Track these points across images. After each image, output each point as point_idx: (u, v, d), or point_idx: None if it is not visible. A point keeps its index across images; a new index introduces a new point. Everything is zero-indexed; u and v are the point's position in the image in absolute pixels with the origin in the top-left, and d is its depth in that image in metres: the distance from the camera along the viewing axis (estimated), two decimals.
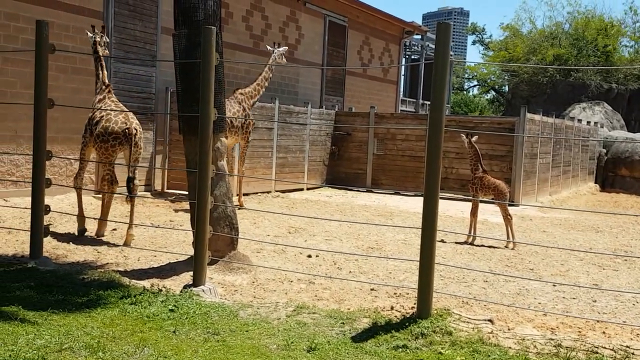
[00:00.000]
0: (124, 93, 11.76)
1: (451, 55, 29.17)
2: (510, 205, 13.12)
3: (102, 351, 3.79)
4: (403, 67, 24.79)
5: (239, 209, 11.31)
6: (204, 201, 5.04)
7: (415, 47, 25.92)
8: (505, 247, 8.97)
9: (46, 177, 5.66)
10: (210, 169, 5.04)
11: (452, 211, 12.49)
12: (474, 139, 9.39)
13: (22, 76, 9.94)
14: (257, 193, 12.92)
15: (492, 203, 9.70)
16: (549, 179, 15.74)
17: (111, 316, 4.42)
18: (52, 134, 10.43)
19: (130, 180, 7.63)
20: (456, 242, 9.12)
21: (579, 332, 4.81)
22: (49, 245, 6.78)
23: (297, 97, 16.59)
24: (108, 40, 8.69)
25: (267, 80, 11.56)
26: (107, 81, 8.46)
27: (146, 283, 5.34)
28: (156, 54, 12.34)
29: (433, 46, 26.25)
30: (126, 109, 8.30)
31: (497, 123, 14.49)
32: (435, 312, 4.55)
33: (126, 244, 7.34)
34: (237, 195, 11.32)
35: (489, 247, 8.95)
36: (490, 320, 4.45)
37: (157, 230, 8.56)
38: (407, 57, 26.47)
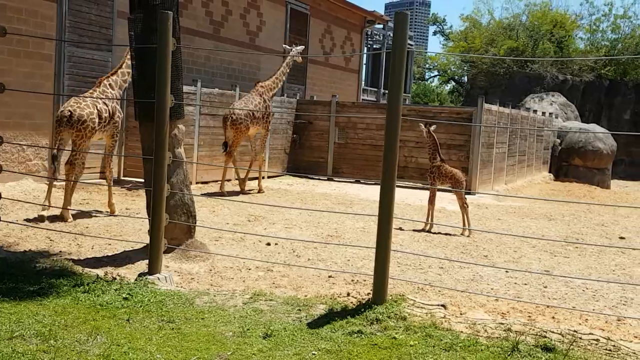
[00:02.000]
0: (78, 78, 11.50)
1: (411, 45, 29.30)
2: (467, 193, 13.37)
3: (54, 339, 3.73)
4: (365, 57, 24.86)
5: (258, 192, 12.30)
6: (160, 189, 4.98)
7: (377, 37, 26.02)
8: (462, 234, 9.13)
9: None
10: (167, 156, 4.98)
11: (411, 199, 12.64)
12: (432, 128, 9.50)
13: None
14: (216, 181, 12.82)
15: (450, 191, 9.85)
16: (505, 168, 16.06)
17: (63, 304, 4.35)
18: (3, 119, 10.16)
19: (54, 159, 8.34)
20: (414, 230, 9.24)
21: (529, 316, 4.95)
22: (0, 233, 6.61)
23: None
24: None
25: (284, 74, 12.59)
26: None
27: (100, 271, 5.27)
28: (112, 38, 12.09)
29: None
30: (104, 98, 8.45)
31: (455, 113, 14.69)
32: (391, 297, 4.61)
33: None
34: (258, 180, 12.65)
35: (446, 234, 9.10)
36: (443, 306, 4.54)
37: (112, 219, 8.43)
38: (368, 46, 26.56)
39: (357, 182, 15.32)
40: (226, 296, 4.83)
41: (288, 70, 12.71)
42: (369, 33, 25.33)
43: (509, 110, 16.04)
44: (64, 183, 8.50)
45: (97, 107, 8.37)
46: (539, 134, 19.18)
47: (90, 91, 8.68)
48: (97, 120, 8.33)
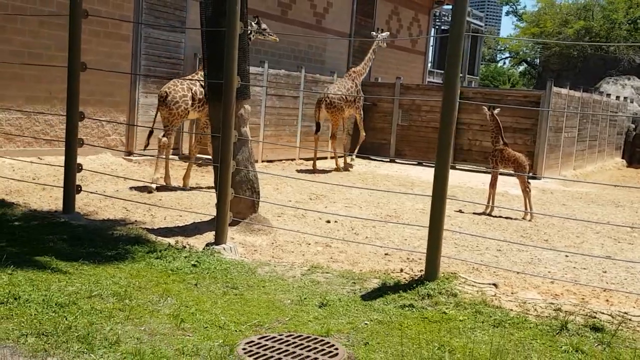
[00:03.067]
0: (153, 58, 12.03)
1: (480, 26, 28.63)
2: (532, 178, 13.21)
3: (129, 299, 4.10)
4: (432, 38, 24.60)
5: (344, 169, 13.16)
6: (226, 165, 5.29)
7: (446, 18, 25.67)
8: (523, 218, 9.10)
9: (79, 137, 5.97)
10: (233, 134, 5.27)
11: (474, 182, 12.60)
12: (496, 111, 9.46)
13: (57, 39, 10.24)
14: (281, 160, 13.18)
15: (512, 175, 9.81)
16: (574, 153, 15.68)
17: (138, 268, 4.74)
18: (85, 96, 10.78)
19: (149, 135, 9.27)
20: (474, 213, 9.28)
21: (582, 299, 5.00)
22: (81, 202, 7.13)
23: (324, 67, 16.69)
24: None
25: (371, 60, 13.44)
26: None
27: (171, 240, 5.66)
28: (185, 20, 12.55)
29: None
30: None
31: (523, 96, 14.44)
32: (443, 275, 4.77)
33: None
34: (333, 158, 13.57)
35: (507, 218, 9.09)
36: (494, 285, 4.66)
37: (183, 192, 8.89)
38: (436, 27, 26.24)
39: (420, 164, 15.34)
40: (286, 267, 5.11)
41: (374, 56, 13.54)
42: (437, 14, 25.02)
43: (579, 93, 15.62)
44: (155, 158, 9.26)
45: (192, 89, 9.19)
46: (612, 119, 18.56)
47: (192, 75, 9.67)
48: (189, 101, 9.15)
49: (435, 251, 4.68)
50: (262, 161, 12.80)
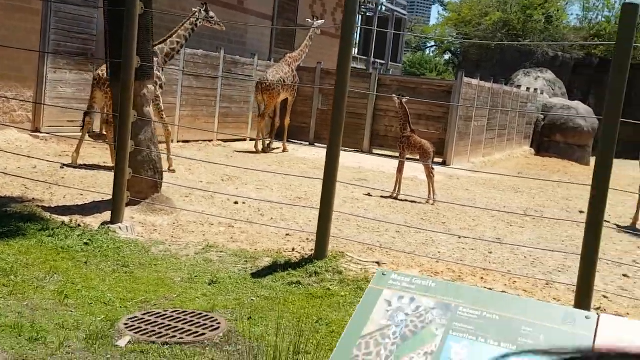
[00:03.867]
0: (63, 33, 11.68)
1: (403, 14, 28.97)
2: (442, 164, 13.75)
3: (15, 275, 4.11)
4: (359, 27, 24.91)
5: (264, 152, 13.42)
6: (124, 144, 5.31)
7: (370, 5, 26.03)
8: (426, 202, 9.52)
9: None
10: (131, 114, 5.30)
11: (387, 167, 12.99)
12: (404, 100, 9.81)
13: None
14: (198, 141, 13.13)
15: (417, 161, 10.22)
16: (483, 141, 16.40)
17: (27, 246, 4.72)
18: None
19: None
20: (382, 197, 9.62)
21: (459, 276, 5.36)
22: None
23: (245, 48, 16.65)
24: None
25: (308, 47, 13.98)
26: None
27: (66, 218, 5.63)
28: None
29: (387, 4, 26.41)
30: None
31: (436, 85, 14.95)
32: (331, 254, 5.01)
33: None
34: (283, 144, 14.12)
35: (412, 202, 9.49)
36: (377, 263, 4.93)
37: (88, 171, 8.76)
38: (362, 13, 26.58)
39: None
40: (181, 246, 5.22)
41: (311, 43, 14.00)
42: (363, 0, 25.33)
43: (489, 84, 16.31)
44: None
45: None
46: (522, 109, 19.47)
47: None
48: None
49: (325, 231, 4.90)
50: (178, 141, 12.72)
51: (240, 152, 13.07)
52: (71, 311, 3.80)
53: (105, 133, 9.77)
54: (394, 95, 10.12)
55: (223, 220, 6.76)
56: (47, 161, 8.80)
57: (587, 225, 3.86)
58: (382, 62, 24.96)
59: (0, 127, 10.33)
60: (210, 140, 13.30)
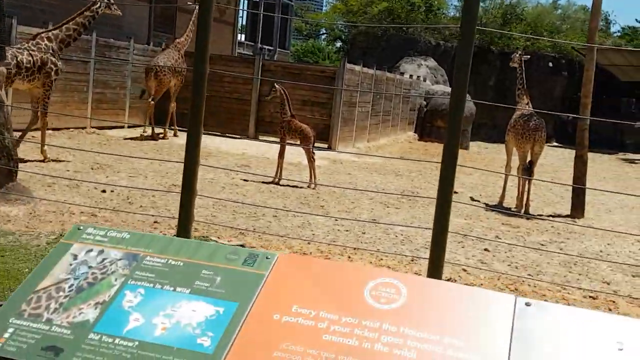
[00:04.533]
0: None
1: (292, 2, 28.85)
2: (327, 150, 13.85)
3: None
4: (242, 10, 24.58)
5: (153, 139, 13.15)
6: None
7: None
8: (307, 187, 9.52)
9: None
10: None
11: (272, 153, 12.90)
12: (279, 87, 9.77)
13: None
14: (69, 128, 12.39)
15: (298, 146, 10.20)
16: (368, 126, 16.71)
17: None
18: None
19: None
20: (262, 182, 9.52)
21: (326, 256, 5.36)
22: None
23: (121, 31, 15.90)
24: None
25: (192, 32, 13.66)
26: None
27: None
28: None
29: None
30: None
31: (320, 71, 15.03)
32: (195, 238, 4.82)
33: None
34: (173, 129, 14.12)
35: (293, 186, 9.45)
36: (242, 245, 4.82)
37: None
38: None
39: (224, 135, 15.37)
40: (32, 236, 4.84)
41: (194, 28, 13.30)
42: None
43: (372, 71, 16.62)
44: None
45: (17, 57, 8.70)
46: (405, 96, 20.04)
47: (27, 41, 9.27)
48: (13, 70, 8.55)
49: (187, 215, 4.70)
50: (48, 129, 11.92)
51: (116, 139, 12.49)
52: None
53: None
54: (275, 83, 10.03)
55: (86, 209, 6.38)
56: None
57: (437, 200, 3.95)
58: (270, 48, 24.81)
59: None
60: (83, 128, 12.59)
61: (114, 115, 13.73)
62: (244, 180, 9.43)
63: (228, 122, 15.35)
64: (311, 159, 9.68)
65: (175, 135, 14.09)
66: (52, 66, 9.26)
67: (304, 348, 1.05)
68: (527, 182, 9.52)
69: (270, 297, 1.16)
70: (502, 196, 9.95)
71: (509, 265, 6.18)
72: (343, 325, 1.09)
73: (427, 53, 28.43)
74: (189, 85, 15.16)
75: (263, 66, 15.08)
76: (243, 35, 25.54)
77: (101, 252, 1.29)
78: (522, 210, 9.38)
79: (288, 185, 9.50)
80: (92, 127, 12.79)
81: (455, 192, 10.72)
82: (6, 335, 1.14)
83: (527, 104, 9.99)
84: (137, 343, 1.11)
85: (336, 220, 7.29)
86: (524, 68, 10.28)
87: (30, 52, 8.93)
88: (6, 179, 6.12)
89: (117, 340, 1.12)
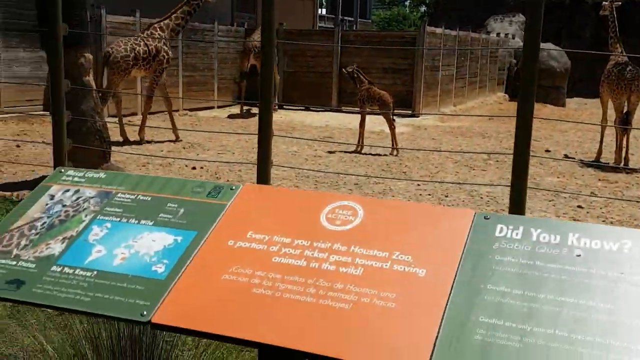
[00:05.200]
0: (12, 11, 11.40)
1: None
2: (411, 117, 13.73)
3: None
4: None
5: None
6: (59, 114, 5.23)
7: None
8: (390, 154, 9.52)
9: None
10: (63, 83, 5.19)
11: (354, 124, 12.93)
12: (351, 69, 9.82)
13: None
14: (164, 112, 12.98)
15: (379, 114, 10.17)
16: (453, 90, 16.34)
17: None
18: None
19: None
20: (345, 152, 9.62)
21: None
22: None
23: (207, 14, 16.35)
24: None
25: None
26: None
27: (11, 194, 5.59)
28: None
29: None
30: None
31: (400, 37, 14.82)
32: None
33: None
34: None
35: (375, 155, 9.48)
36: None
37: (46, 147, 8.67)
38: None
39: (307, 109, 15.55)
40: None
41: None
42: None
43: (455, 32, 16.17)
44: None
45: (135, 49, 9.53)
46: (493, 56, 19.36)
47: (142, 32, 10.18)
48: (131, 61, 9.47)
49: (264, 182, 4.88)
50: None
51: (206, 119, 12.97)
52: None
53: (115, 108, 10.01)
54: (343, 69, 10.08)
55: None
56: (5, 139, 8.70)
57: (514, 156, 3.88)
58: (350, 19, 24.67)
59: None
60: (176, 110, 13.15)
61: (204, 97, 14.24)
62: (330, 152, 9.56)
63: (310, 96, 15.51)
64: (392, 126, 9.64)
65: (274, 110, 14.41)
66: (165, 54, 9.94)
67: (252, 270, 1.09)
68: (625, 135, 9.05)
69: (228, 225, 1.21)
70: (599, 151, 9.52)
71: (603, 220, 5.96)
72: (294, 247, 1.13)
73: (515, 9, 27.20)
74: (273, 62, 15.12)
75: (342, 37, 15.06)
76: (324, 10, 25.55)
77: (77, 191, 1.38)
78: (622, 164, 8.93)
79: (370, 154, 9.53)
80: (184, 109, 13.34)
81: (547, 151, 10.36)
82: None
83: (621, 52, 9.43)
84: (95, 272, 1.17)
85: (418, 185, 7.28)
86: (615, 15, 9.69)
87: (146, 42, 9.62)
88: (100, 160, 6.56)
89: (77, 271, 1.18)
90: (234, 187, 1.29)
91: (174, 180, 1.46)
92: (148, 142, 9.80)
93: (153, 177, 1.46)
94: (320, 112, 14.86)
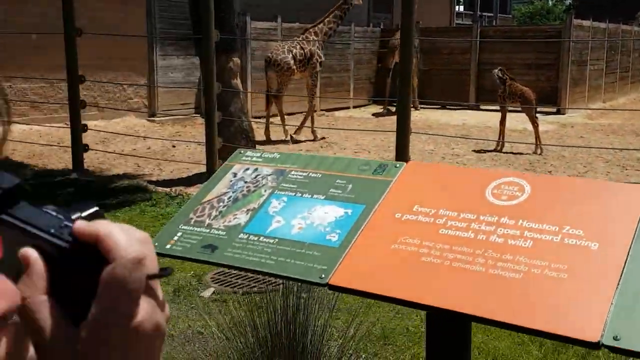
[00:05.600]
0: (168, 21, 12.32)
1: None
2: (556, 114, 13.09)
3: None
4: None
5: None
6: (211, 115, 5.62)
7: None
8: (534, 152, 9.15)
9: (82, 99, 6.39)
10: (215, 85, 5.57)
11: (493, 122, 12.56)
12: (498, 71, 9.52)
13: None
14: (302, 112, 13.41)
15: (520, 112, 9.80)
16: (603, 85, 15.32)
17: (131, 215, 5.17)
18: (103, 62, 11.14)
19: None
20: (484, 150, 9.39)
21: None
22: (97, 161, 7.64)
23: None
24: None
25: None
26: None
27: (169, 190, 6.07)
28: None
29: None
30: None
31: (543, 31, 14.15)
32: None
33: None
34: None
35: (517, 153, 9.16)
36: None
37: (197, 147, 9.31)
38: None
39: (443, 107, 15.31)
40: None
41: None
42: None
43: (605, 24, 15.14)
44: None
45: (292, 52, 10.18)
46: None
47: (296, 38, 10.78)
48: (291, 62, 10.11)
49: None
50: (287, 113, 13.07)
51: (343, 119, 13.21)
52: None
53: (276, 106, 10.54)
54: (493, 71, 9.76)
55: None
56: (162, 139, 9.46)
57: None
58: (489, 15, 23.93)
59: (120, 114, 11.22)
60: (314, 111, 13.54)
61: (340, 97, 14.52)
62: (475, 151, 9.40)
63: (447, 94, 15.24)
64: (534, 123, 9.25)
65: (415, 108, 14.19)
66: (317, 58, 10.45)
67: (420, 240, 1.14)
68: None
69: (394, 200, 1.27)
70: None
71: None
72: (460, 220, 1.16)
73: None
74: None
75: (481, 33, 14.66)
76: (461, 7, 25.00)
77: (255, 170, 1.51)
78: None
79: (511, 153, 9.22)
80: (321, 110, 13.69)
81: None
82: (175, 238, 1.40)
83: None
84: (276, 240, 1.31)
85: None
86: None
87: (302, 45, 10.15)
88: None
89: (261, 238, 1.33)
90: (398, 165, 1.36)
91: (341, 159, 1.55)
92: (298, 141, 10.18)
93: (322, 157, 1.57)
94: (457, 110, 14.58)
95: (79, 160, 6.43)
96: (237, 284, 3.89)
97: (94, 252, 0.45)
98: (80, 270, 0.45)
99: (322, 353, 2.69)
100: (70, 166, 7.38)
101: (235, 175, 1.52)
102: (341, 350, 2.84)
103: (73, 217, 0.47)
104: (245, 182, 1.47)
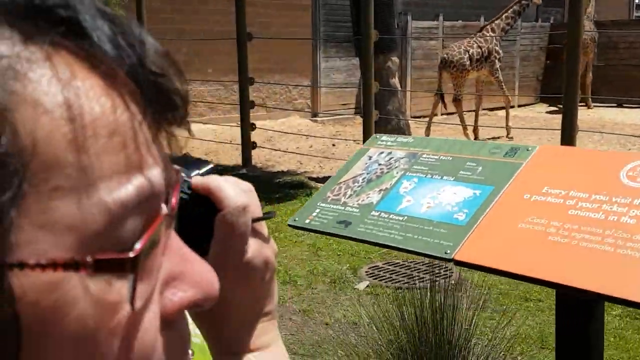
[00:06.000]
0: (332, 24, 12.71)
1: None
2: None
3: (279, 232, 4.86)
4: None
5: None
6: (369, 113, 5.77)
7: None
8: None
9: (251, 100, 6.87)
10: (373, 85, 5.71)
11: None
12: None
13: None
14: (463, 111, 13.17)
15: None
16: None
17: (293, 208, 5.47)
18: (271, 65, 11.79)
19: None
20: None
21: None
22: (263, 158, 8.15)
23: None
24: None
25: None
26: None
27: None
28: None
29: None
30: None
31: None
32: None
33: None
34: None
35: None
36: None
37: (357, 146, 9.55)
38: None
39: (619, 105, 14.17)
40: None
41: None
42: None
43: None
44: None
45: (469, 51, 10.21)
46: None
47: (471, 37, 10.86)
48: (467, 62, 10.12)
49: None
50: (442, 114, 12.96)
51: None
52: (322, 261, 4.37)
53: (456, 110, 10.57)
54: None
55: None
56: (323, 138, 9.84)
57: None
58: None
59: (285, 114, 11.83)
60: (472, 111, 13.25)
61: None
62: None
63: (624, 91, 14.06)
64: None
65: (588, 107, 13.35)
66: (496, 54, 10.35)
67: (548, 220, 1.12)
68: None
69: (524, 181, 1.25)
70: None
71: None
72: (592, 202, 1.12)
73: None
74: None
75: None
76: None
77: (389, 153, 1.57)
78: None
79: None
80: (484, 109, 13.33)
81: None
82: (314, 214, 1.53)
83: None
84: (405, 217, 1.37)
85: None
86: None
87: (479, 44, 10.13)
88: None
89: (391, 216, 1.40)
90: (530, 148, 1.37)
91: (472, 143, 1.58)
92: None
93: (453, 141, 1.62)
94: (635, 109, 13.41)
95: (248, 157, 6.92)
96: (390, 279, 3.99)
97: (209, 202, 0.54)
98: (198, 217, 0.53)
99: (469, 349, 2.70)
100: (240, 162, 7.98)
101: (370, 158, 1.61)
102: (490, 348, 2.83)
103: (192, 174, 0.55)
104: (379, 165, 1.56)
